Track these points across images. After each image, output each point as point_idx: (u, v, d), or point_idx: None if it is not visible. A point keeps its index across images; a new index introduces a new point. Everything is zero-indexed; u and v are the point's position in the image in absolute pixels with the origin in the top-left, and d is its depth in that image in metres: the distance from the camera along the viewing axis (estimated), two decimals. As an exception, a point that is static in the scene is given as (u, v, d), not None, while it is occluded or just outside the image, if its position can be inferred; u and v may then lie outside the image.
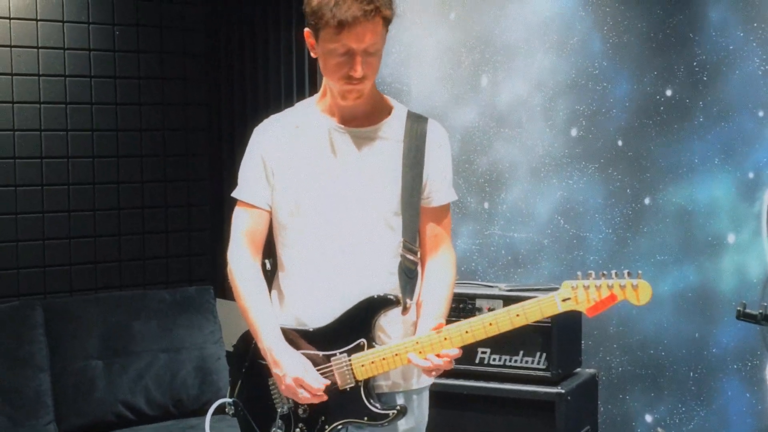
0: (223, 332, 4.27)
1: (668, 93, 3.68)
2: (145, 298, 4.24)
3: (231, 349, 2.50)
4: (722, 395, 3.60)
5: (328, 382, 2.33)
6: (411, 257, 2.39)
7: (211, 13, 4.87)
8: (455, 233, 4.13)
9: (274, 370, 2.34)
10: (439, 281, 2.43)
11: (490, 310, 3.20)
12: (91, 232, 4.57)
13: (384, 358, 2.31)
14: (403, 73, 4.31)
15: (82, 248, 4.54)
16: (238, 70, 4.76)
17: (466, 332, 2.28)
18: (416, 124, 2.42)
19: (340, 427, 2.37)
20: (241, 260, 2.44)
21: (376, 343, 2.34)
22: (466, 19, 4.15)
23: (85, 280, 4.55)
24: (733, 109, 3.54)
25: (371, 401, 2.34)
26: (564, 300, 2.24)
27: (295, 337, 2.39)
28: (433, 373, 2.32)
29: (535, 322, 2.29)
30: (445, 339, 2.27)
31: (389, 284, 2.37)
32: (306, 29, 2.32)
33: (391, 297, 2.34)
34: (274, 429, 2.40)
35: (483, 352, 3.46)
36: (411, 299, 2.39)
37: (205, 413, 2.63)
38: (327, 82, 2.38)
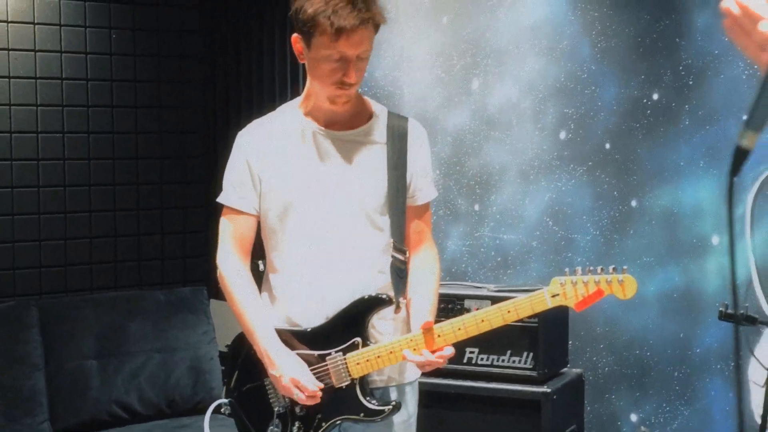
0: (217, 333, 4.28)
1: (655, 97, 3.71)
2: (139, 299, 4.25)
3: (224, 350, 2.52)
4: (706, 395, 3.62)
5: (323, 385, 2.35)
6: (401, 257, 2.43)
7: (207, 17, 4.88)
8: (446, 234, 4.17)
9: (271, 371, 2.36)
10: (428, 275, 2.47)
11: (478, 310, 3.24)
12: (87, 233, 4.58)
13: (379, 356, 2.34)
14: (395, 77, 4.34)
15: (78, 249, 4.56)
16: (233, 73, 4.77)
17: (459, 329, 2.32)
18: (397, 124, 2.46)
19: (337, 423, 2.40)
20: (232, 265, 2.47)
21: (370, 342, 2.38)
22: (458, 23, 4.18)
23: (80, 280, 4.56)
24: (718, 112, 3.56)
25: (367, 398, 2.37)
26: (553, 296, 2.28)
27: (289, 338, 2.41)
28: (426, 368, 2.35)
29: (522, 321, 2.33)
30: (439, 336, 2.31)
31: (379, 282, 2.41)
32: (294, 35, 2.34)
33: (384, 297, 2.37)
34: (271, 428, 2.42)
35: (471, 352, 3.49)
36: (404, 298, 2.43)
37: (198, 413, 2.66)
38: (314, 87, 2.39)
